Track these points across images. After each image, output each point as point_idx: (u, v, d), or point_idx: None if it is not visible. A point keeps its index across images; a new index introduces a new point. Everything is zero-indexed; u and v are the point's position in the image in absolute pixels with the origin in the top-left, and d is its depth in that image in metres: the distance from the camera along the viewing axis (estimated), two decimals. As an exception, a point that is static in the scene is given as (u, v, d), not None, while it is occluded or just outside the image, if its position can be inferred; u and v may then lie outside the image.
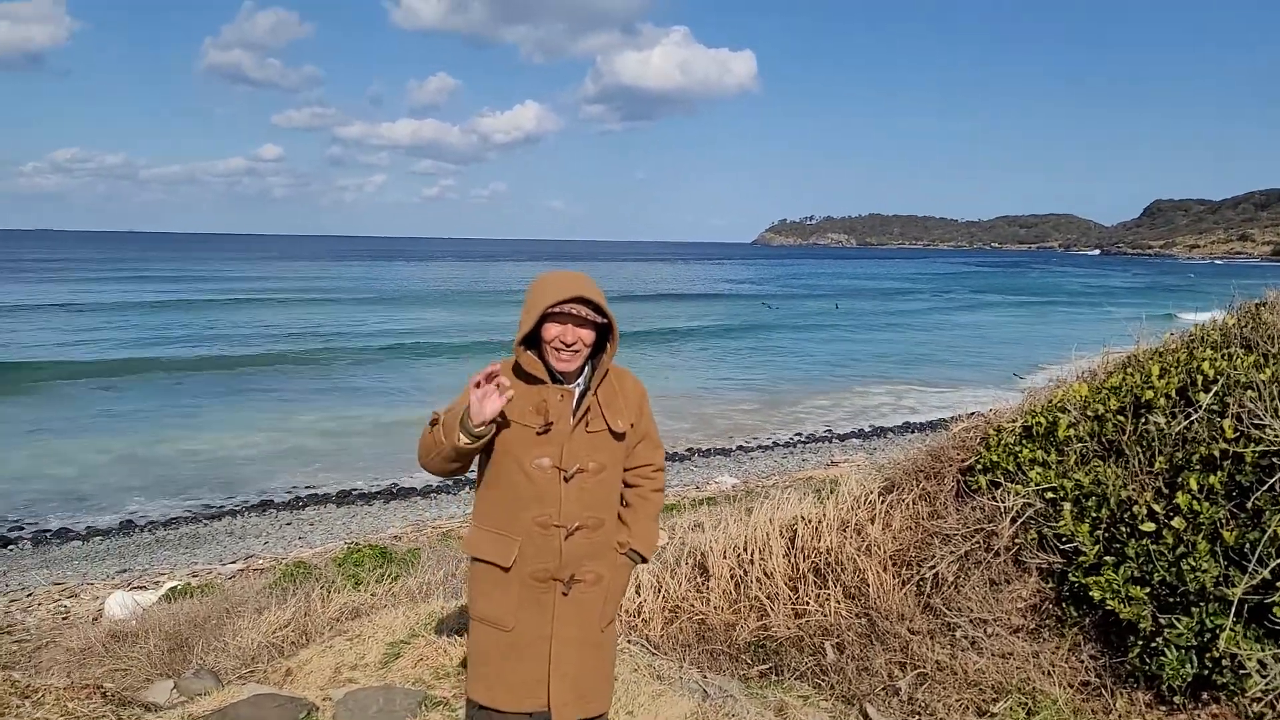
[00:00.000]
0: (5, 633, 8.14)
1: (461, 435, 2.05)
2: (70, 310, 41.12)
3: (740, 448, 17.91)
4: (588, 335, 2.13)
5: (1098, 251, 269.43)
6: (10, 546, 11.90)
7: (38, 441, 17.35)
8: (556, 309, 2.07)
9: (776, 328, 42.06)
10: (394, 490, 14.73)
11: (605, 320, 2.14)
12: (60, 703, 2.97)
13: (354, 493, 14.59)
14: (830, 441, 18.50)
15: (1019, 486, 3.54)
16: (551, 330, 2.11)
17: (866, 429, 19.79)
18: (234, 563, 10.99)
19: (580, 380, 2.21)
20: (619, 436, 2.22)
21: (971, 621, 3.41)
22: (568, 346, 2.11)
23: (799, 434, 19.26)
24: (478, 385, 2.03)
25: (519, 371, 2.17)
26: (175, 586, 8.68)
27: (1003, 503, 3.56)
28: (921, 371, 28.90)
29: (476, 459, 2.24)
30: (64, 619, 8.88)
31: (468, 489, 14.77)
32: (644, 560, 2.36)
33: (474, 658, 2.27)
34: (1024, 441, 3.73)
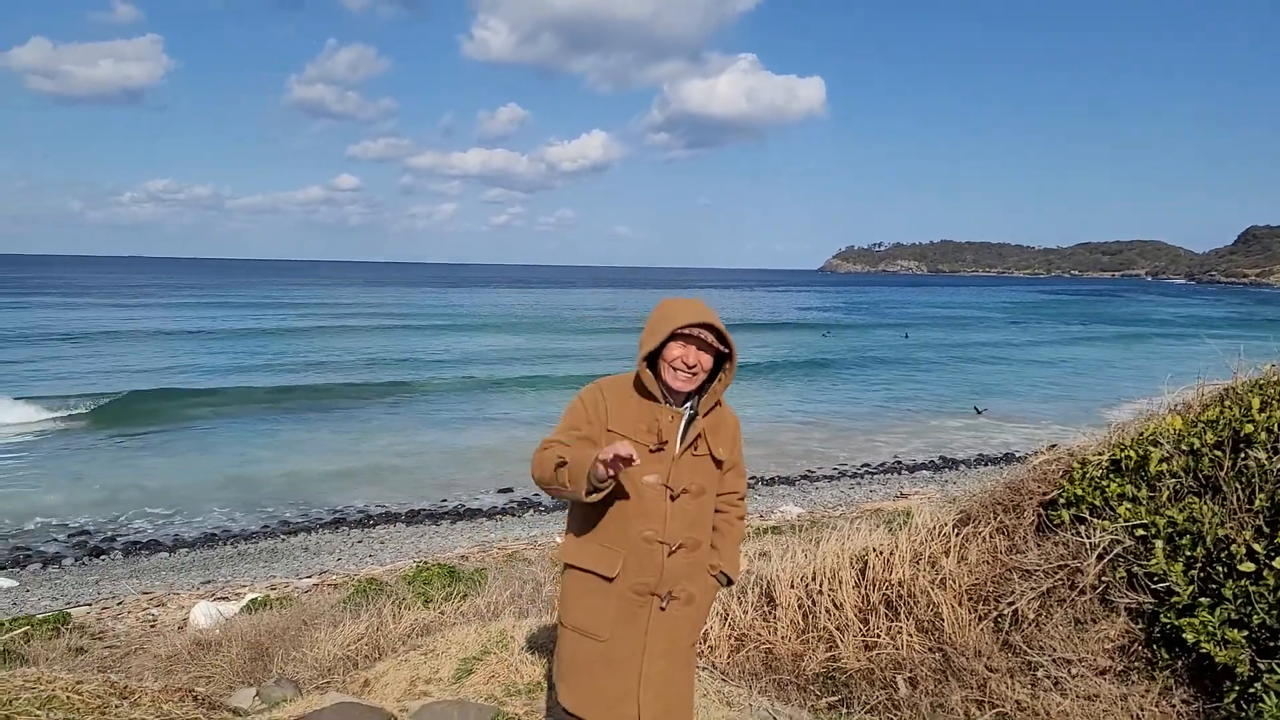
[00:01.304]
0: (97, 639, 8.52)
1: (587, 489, 2.04)
2: (163, 336, 43.36)
3: (805, 477, 17.65)
4: (707, 360, 2.22)
5: (1186, 280, 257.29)
6: (103, 556, 12.57)
7: (131, 460, 18.36)
8: (684, 331, 2.16)
9: (843, 357, 41.40)
10: (460, 511, 15.00)
11: (725, 349, 2.22)
12: (156, 704, 3.12)
13: (422, 513, 14.91)
14: (899, 473, 18.05)
15: (1106, 522, 3.40)
16: (674, 350, 2.19)
17: (937, 460, 19.23)
18: (309, 577, 11.34)
19: (690, 405, 2.28)
20: (719, 464, 2.29)
21: (1054, 661, 3.28)
22: (688, 368, 2.19)
23: (867, 465, 18.85)
24: (608, 462, 1.97)
25: (637, 385, 2.26)
26: (255, 598, 9.01)
27: (1088, 539, 3.43)
28: (996, 403, 27.99)
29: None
30: (151, 627, 9.29)
31: (531, 512, 14.93)
32: (730, 583, 2.44)
33: (565, 665, 2.31)
34: (1111, 475, 3.59)
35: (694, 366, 2.19)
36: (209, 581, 11.35)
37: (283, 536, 13.59)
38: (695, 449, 2.24)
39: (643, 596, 2.22)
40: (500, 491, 16.21)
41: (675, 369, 2.19)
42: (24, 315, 52.99)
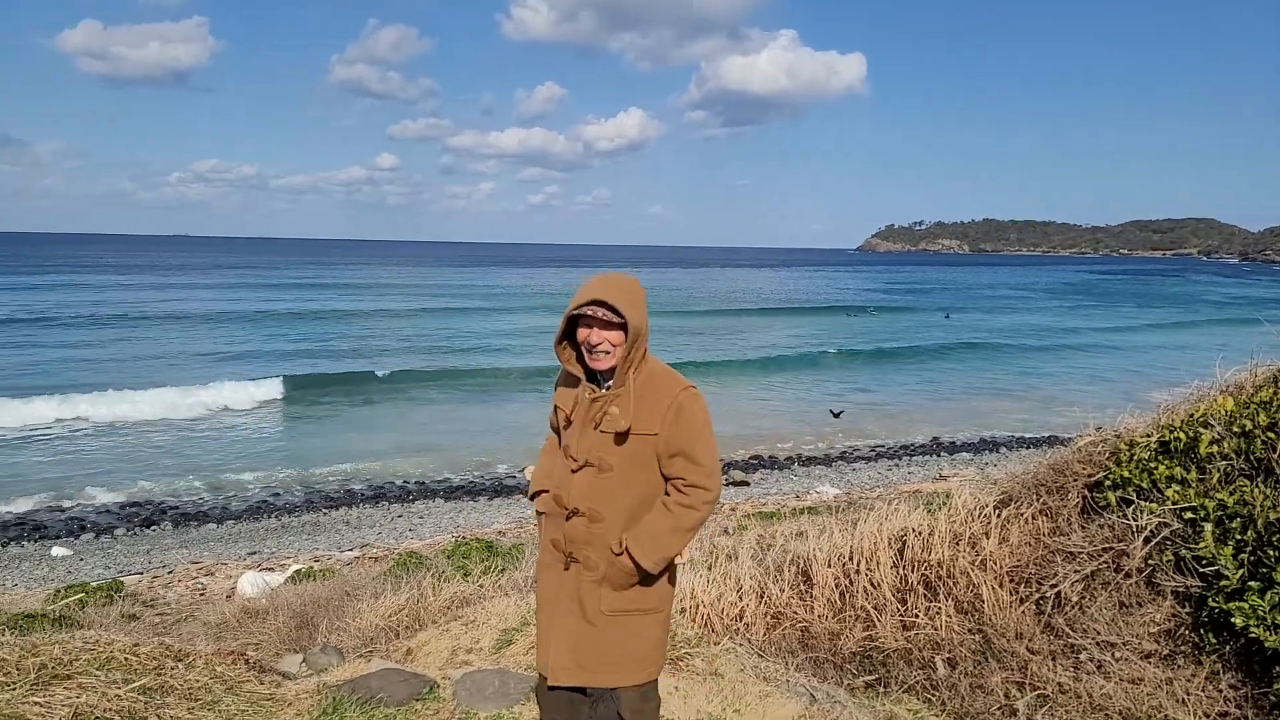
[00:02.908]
0: (149, 606, 8.82)
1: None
2: (222, 320, 43.69)
3: (842, 458, 17.54)
4: (615, 335, 2.19)
5: (1240, 259, 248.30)
6: (154, 527, 13.00)
7: (176, 436, 18.93)
8: (579, 313, 2.19)
9: (881, 338, 40.87)
10: (498, 488, 15.21)
11: (622, 320, 2.17)
12: (209, 666, 3.24)
13: (460, 489, 15.16)
14: (938, 455, 17.85)
15: (1154, 505, 3.33)
16: (581, 333, 2.23)
17: (976, 442, 18.97)
18: (351, 550, 11.62)
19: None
20: (620, 439, 2.23)
21: (1098, 644, 3.23)
22: (595, 348, 2.22)
23: (905, 446, 18.66)
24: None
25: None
26: (299, 569, 9.25)
27: (1135, 521, 3.36)
28: (1038, 384, 27.45)
29: None
30: (201, 595, 9.60)
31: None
32: (636, 562, 2.25)
33: None
34: (1160, 457, 3.51)
35: (599, 344, 2.19)
36: (255, 553, 11.69)
37: (325, 510, 13.93)
38: (600, 425, 2.24)
39: (557, 551, 2.35)
40: (537, 469, 16.38)
41: (586, 349, 2.23)
42: (83, 296, 54.31)
